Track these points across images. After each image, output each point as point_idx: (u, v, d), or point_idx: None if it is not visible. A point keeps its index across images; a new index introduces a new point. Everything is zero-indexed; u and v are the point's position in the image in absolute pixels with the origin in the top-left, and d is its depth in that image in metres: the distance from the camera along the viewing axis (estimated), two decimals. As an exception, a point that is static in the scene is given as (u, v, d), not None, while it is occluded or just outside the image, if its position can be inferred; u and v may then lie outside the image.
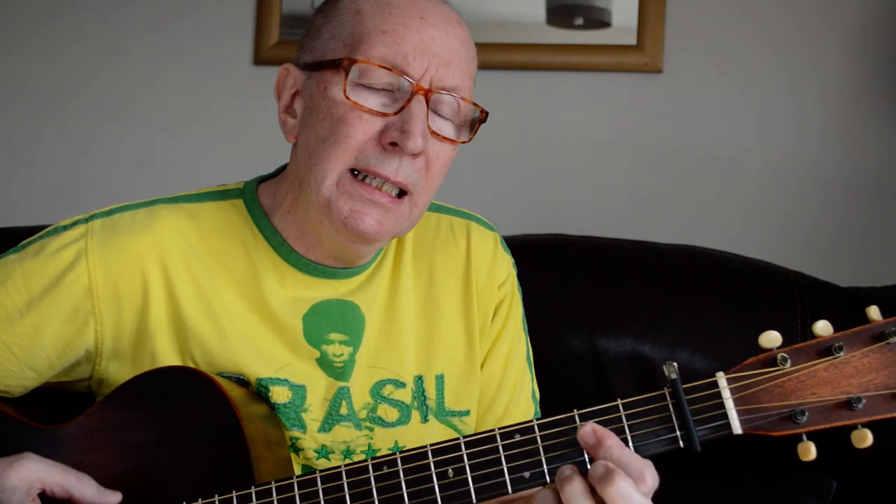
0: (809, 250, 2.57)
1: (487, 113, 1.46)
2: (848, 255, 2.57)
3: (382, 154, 1.38)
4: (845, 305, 2.05)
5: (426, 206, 1.48)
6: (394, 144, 1.37)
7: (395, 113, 1.38)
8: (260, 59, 2.92)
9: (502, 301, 1.65)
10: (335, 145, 1.39)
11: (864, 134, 2.59)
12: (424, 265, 1.60)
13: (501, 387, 1.63)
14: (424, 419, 1.55)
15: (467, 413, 1.59)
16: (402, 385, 1.55)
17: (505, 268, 1.66)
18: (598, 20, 2.74)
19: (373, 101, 1.39)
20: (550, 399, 1.77)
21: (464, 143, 1.46)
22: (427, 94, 1.39)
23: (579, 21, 2.75)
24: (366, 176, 1.40)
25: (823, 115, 2.62)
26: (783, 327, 1.96)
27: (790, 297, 2.04)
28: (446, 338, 1.59)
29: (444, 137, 1.43)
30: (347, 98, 1.39)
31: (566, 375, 2.05)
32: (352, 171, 1.40)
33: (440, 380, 1.57)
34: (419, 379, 1.56)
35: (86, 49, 3.03)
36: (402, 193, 1.42)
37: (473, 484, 1.21)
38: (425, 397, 1.56)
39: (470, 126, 1.47)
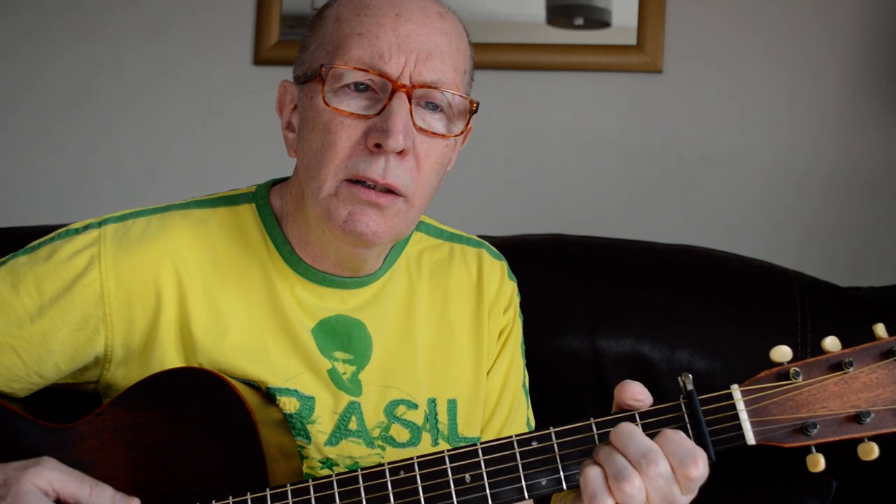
0: (809, 250, 2.59)
1: (478, 104, 1.45)
2: (848, 255, 2.59)
3: (370, 157, 1.37)
4: (845, 305, 2.05)
5: (424, 206, 1.47)
6: (378, 146, 1.36)
7: (377, 114, 1.38)
8: (260, 59, 2.92)
9: (506, 326, 1.66)
10: (325, 154, 1.39)
11: (864, 133, 2.61)
12: (439, 291, 1.62)
13: (498, 407, 1.64)
14: (435, 442, 1.56)
15: (478, 439, 1.60)
16: (415, 406, 1.55)
17: (510, 294, 1.68)
18: (598, 20, 2.75)
19: (354, 105, 1.39)
20: (551, 399, 1.78)
21: (455, 136, 1.45)
22: (409, 90, 1.38)
23: (579, 21, 2.76)
24: (359, 181, 1.40)
25: (823, 115, 2.64)
26: (783, 327, 2.01)
27: (790, 297, 2.05)
28: (459, 363, 1.60)
29: (433, 133, 1.41)
30: (328, 105, 1.39)
31: (566, 375, 2.05)
32: (346, 180, 1.40)
33: (452, 404, 1.58)
34: (432, 402, 1.57)
35: (86, 50, 3.03)
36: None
37: (490, 490, 1.22)
38: (437, 420, 1.57)
39: (463, 118, 1.45)
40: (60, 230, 1.49)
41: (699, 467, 1.16)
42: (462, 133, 1.46)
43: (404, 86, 1.37)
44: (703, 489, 1.21)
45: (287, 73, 1.54)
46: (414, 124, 1.38)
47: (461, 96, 1.43)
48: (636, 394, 1.23)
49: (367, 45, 1.38)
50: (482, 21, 2.77)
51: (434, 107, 1.42)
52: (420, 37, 1.40)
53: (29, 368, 1.45)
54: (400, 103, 1.37)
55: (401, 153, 1.37)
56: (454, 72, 1.43)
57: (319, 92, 1.40)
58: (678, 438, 1.18)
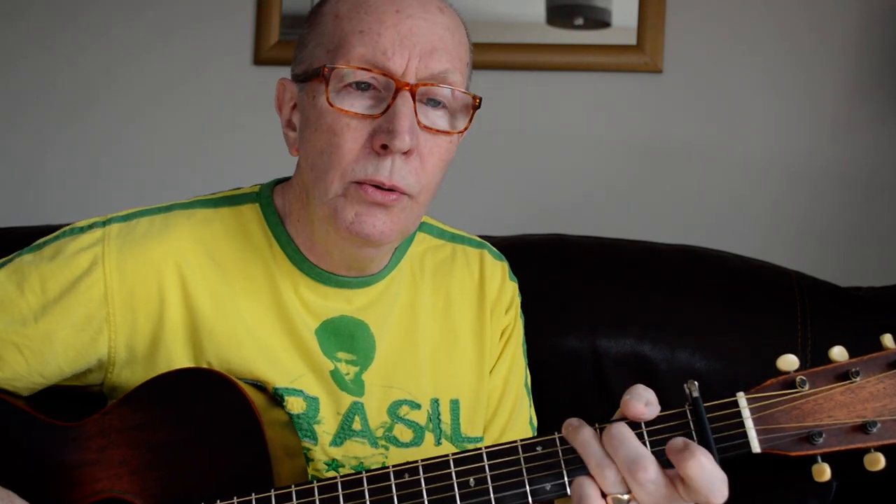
0: (809, 250, 2.59)
1: (481, 99, 1.43)
2: (848, 255, 2.59)
3: (376, 159, 1.36)
4: (845, 305, 2.05)
5: (428, 202, 1.46)
6: (385, 146, 1.35)
7: (382, 113, 1.36)
8: (260, 60, 2.92)
9: (507, 326, 1.67)
10: (331, 157, 1.38)
11: (865, 133, 2.61)
12: (442, 292, 1.62)
13: (500, 407, 1.65)
14: (438, 442, 1.56)
15: (481, 439, 1.61)
16: (418, 406, 1.56)
17: (511, 294, 1.69)
18: (598, 20, 2.75)
19: (358, 105, 1.37)
20: (550, 399, 1.78)
21: (460, 133, 1.43)
22: (413, 88, 1.37)
23: (579, 21, 2.76)
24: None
25: (822, 115, 2.64)
26: (783, 327, 2.00)
27: (790, 297, 2.05)
28: (461, 364, 1.60)
29: (437, 130, 1.40)
30: (332, 105, 1.37)
31: (566, 375, 2.05)
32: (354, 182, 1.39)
33: (455, 404, 1.59)
34: (435, 402, 1.57)
35: (88, 53, 3.03)
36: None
37: (494, 494, 1.22)
38: (440, 420, 1.57)
39: (466, 113, 1.44)
40: (66, 228, 1.49)
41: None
42: (465, 129, 1.45)
43: (408, 84, 1.36)
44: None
45: (287, 73, 1.53)
46: (418, 122, 1.37)
47: (463, 92, 1.42)
48: (639, 414, 1.18)
49: (370, 42, 1.37)
50: (482, 21, 2.76)
51: (437, 103, 1.41)
52: (423, 31, 1.38)
53: (31, 367, 1.45)
54: (404, 101, 1.36)
55: (406, 153, 1.37)
56: (459, 62, 1.42)
57: (322, 92, 1.38)
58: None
